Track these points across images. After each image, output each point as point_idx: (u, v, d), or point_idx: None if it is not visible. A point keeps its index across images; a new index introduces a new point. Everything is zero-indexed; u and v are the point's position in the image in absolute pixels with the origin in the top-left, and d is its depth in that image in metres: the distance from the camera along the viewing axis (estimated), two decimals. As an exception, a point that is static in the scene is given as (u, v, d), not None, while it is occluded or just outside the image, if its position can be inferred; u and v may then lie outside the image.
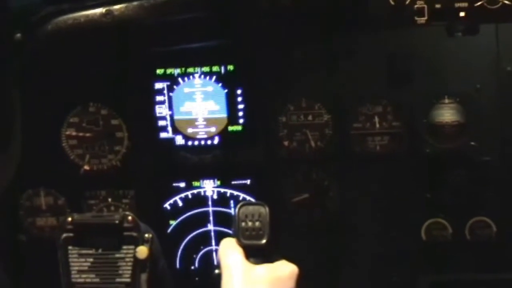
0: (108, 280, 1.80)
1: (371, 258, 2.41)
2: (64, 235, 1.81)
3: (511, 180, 2.32)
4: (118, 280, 1.80)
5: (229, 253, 1.60)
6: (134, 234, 1.80)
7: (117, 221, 1.79)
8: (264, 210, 1.67)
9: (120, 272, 1.80)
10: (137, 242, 1.80)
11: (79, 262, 1.80)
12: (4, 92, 2.24)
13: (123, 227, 1.80)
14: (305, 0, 2.24)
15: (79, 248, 1.80)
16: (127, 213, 1.81)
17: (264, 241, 1.63)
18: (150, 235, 1.83)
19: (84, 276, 1.80)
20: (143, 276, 1.81)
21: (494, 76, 2.31)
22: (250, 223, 1.65)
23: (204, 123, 2.40)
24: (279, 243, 1.68)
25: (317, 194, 2.39)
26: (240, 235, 1.64)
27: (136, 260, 1.80)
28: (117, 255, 1.80)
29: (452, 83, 2.33)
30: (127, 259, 1.80)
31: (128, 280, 1.80)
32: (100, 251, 1.80)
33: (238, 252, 1.59)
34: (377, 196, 2.38)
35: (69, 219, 1.81)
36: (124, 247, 1.80)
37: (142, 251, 1.79)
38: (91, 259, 1.80)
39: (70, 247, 1.81)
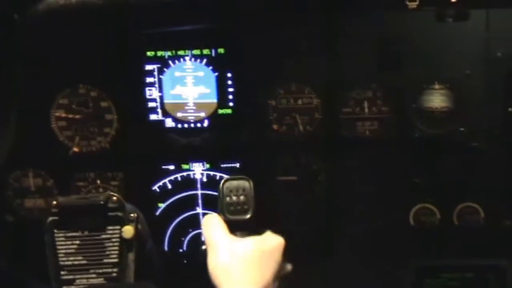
0: (95, 261, 1.80)
1: (359, 243, 2.42)
2: (50, 218, 1.80)
3: (499, 166, 2.33)
4: (105, 260, 1.80)
5: (212, 228, 1.60)
6: (120, 214, 1.80)
7: (101, 202, 1.79)
8: (249, 184, 1.67)
9: (107, 252, 1.80)
10: (122, 222, 1.80)
11: (66, 245, 1.80)
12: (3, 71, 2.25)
13: (108, 208, 1.80)
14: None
15: (65, 231, 1.80)
16: (112, 193, 1.81)
17: (248, 215, 1.63)
18: (136, 215, 1.83)
19: (71, 258, 1.80)
20: (130, 256, 1.81)
21: (484, 62, 2.31)
22: (234, 198, 1.65)
23: (194, 107, 2.40)
24: (265, 217, 1.68)
25: (306, 178, 2.39)
26: (224, 210, 1.64)
27: (122, 240, 1.80)
28: (103, 236, 1.80)
29: (442, 69, 2.33)
30: (114, 239, 1.80)
31: (115, 260, 1.80)
32: (86, 232, 1.80)
33: (221, 226, 1.59)
34: (365, 181, 2.38)
35: (54, 202, 1.81)
36: (110, 227, 1.80)
37: (128, 230, 1.79)
38: (77, 241, 1.80)
39: (56, 231, 1.81)
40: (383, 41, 2.34)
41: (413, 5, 2.21)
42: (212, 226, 1.60)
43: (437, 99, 2.34)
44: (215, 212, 2.34)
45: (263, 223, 1.66)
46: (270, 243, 1.57)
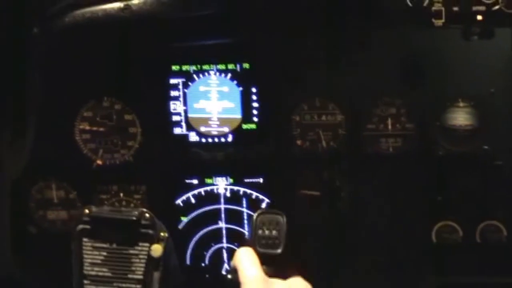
0: (120, 275, 1.81)
1: (380, 259, 2.42)
2: (80, 226, 1.81)
3: (523, 185, 2.33)
4: (130, 276, 1.81)
5: (247, 264, 1.59)
6: (150, 231, 1.81)
7: (134, 218, 1.79)
8: (282, 219, 1.68)
9: (133, 268, 1.80)
10: (152, 239, 1.80)
11: (92, 254, 1.81)
12: (23, 81, 2.25)
13: (140, 224, 1.80)
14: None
15: (94, 240, 1.81)
16: (145, 210, 1.81)
17: (279, 250, 1.64)
18: (166, 234, 1.83)
19: (96, 269, 1.81)
20: (156, 275, 1.81)
21: (508, 80, 2.31)
22: (267, 231, 1.66)
23: (218, 122, 2.40)
24: (294, 254, 1.69)
25: (329, 194, 2.39)
26: (256, 243, 1.64)
27: (150, 258, 1.80)
28: (131, 251, 1.81)
29: (466, 87, 2.33)
30: (141, 256, 1.80)
31: (140, 277, 1.80)
32: (114, 245, 1.80)
33: (256, 263, 1.59)
34: (388, 197, 2.38)
35: (87, 211, 1.81)
36: (139, 243, 1.80)
37: (157, 249, 1.80)
38: (104, 253, 1.81)
39: (85, 239, 1.81)
40: (408, 57, 2.34)
41: (439, 23, 2.21)
42: (247, 262, 1.60)
43: (461, 117, 2.34)
44: (237, 226, 2.40)
45: (292, 259, 1.66)
46: None
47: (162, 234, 1.83)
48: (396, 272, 2.41)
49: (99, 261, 1.81)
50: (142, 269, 1.81)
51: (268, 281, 1.57)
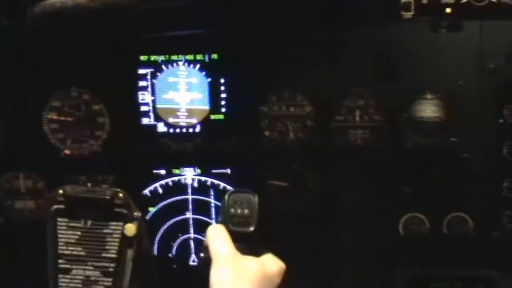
0: (94, 254, 1.81)
1: (348, 251, 2.42)
2: (55, 206, 1.81)
3: (489, 177, 2.33)
4: (104, 254, 1.81)
5: (218, 240, 1.60)
6: (124, 211, 1.82)
7: (108, 197, 1.80)
8: (254, 198, 1.68)
9: (107, 247, 1.81)
10: (126, 219, 1.81)
11: (67, 234, 1.81)
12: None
13: (114, 203, 1.81)
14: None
15: (68, 220, 1.81)
16: (119, 190, 1.82)
17: (251, 228, 1.65)
18: (139, 214, 1.84)
19: (71, 248, 1.81)
20: (130, 253, 1.82)
21: (477, 73, 2.32)
22: (239, 210, 1.66)
23: (186, 112, 2.40)
24: (266, 233, 1.69)
25: (297, 185, 2.40)
26: (228, 221, 1.65)
27: (123, 237, 1.81)
28: (105, 230, 1.81)
29: (434, 79, 2.33)
30: (115, 235, 1.81)
31: (114, 255, 1.81)
32: (89, 224, 1.81)
33: (227, 239, 1.60)
34: (356, 189, 2.39)
35: (61, 191, 1.82)
36: (113, 223, 1.81)
37: (131, 228, 1.80)
38: (79, 232, 1.81)
39: (59, 219, 1.81)
40: (376, 50, 2.35)
41: (408, 15, 2.22)
42: (218, 238, 1.60)
43: (428, 109, 2.34)
44: (205, 217, 2.41)
45: (264, 238, 1.67)
46: (273, 267, 1.59)
47: (135, 213, 1.83)
48: (365, 263, 2.42)
49: (73, 241, 1.82)
50: (116, 248, 1.81)
51: (240, 257, 1.58)
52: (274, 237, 1.71)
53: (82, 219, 1.80)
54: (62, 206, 1.81)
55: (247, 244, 1.64)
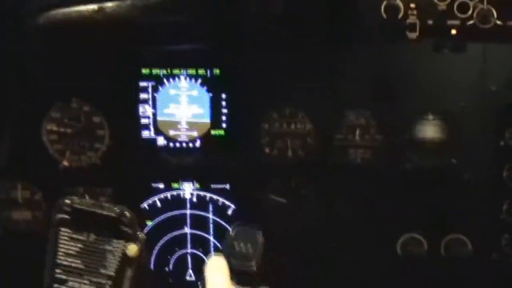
0: (92, 268, 1.80)
1: (345, 270, 2.41)
2: (60, 216, 1.80)
3: (489, 199, 2.33)
4: (102, 271, 1.80)
5: (216, 274, 1.59)
6: (129, 230, 1.81)
7: (115, 215, 1.79)
8: (259, 236, 1.67)
9: (106, 264, 1.80)
10: (129, 238, 1.80)
11: (68, 245, 1.80)
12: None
13: (120, 221, 1.80)
14: (296, 9, 2.25)
15: (72, 231, 1.81)
16: (126, 208, 1.81)
17: (252, 266, 1.63)
18: (144, 236, 1.83)
19: (70, 259, 1.80)
20: (128, 273, 1.80)
21: (479, 95, 2.32)
22: (242, 246, 1.65)
23: (187, 127, 2.39)
24: (266, 273, 1.68)
25: (295, 203, 2.39)
26: (230, 257, 1.64)
27: (124, 256, 1.80)
28: (107, 247, 1.80)
29: (436, 100, 2.33)
30: (116, 253, 1.80)
31: (112, 273, 1.79)
32: (91, 239, 1.80)
33: (226, 274, 1.58)
34: (355, 208, 2.38)
35: (68, 201, 1.81)
36: (116, 240, 1.80)
37: (133, 248, 1.79)
38: (80, 245, 1.80)
39: (63, 229, 1.81)
40: (378, 69, 2.34)
41: (413, 36, 2.21)
42: (217, 272, 1.59)
43: (430, 130, 2.33)
44: (202, 232, 2.40)
45: (264, 275, 1.66)
46: None
47: (140, 234, 1.83)
48: (362, 283, 2.41)
49: (73, 252, 1.80)
50: (116, 266, 1.80)
51: None
52: (273, 271, 1.70)
53: (85, 232, 1.80)
54: (67, 217, 1.81)
55: (246, 281, 1.63)
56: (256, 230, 1.68)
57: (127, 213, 1.79)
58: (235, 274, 1.61)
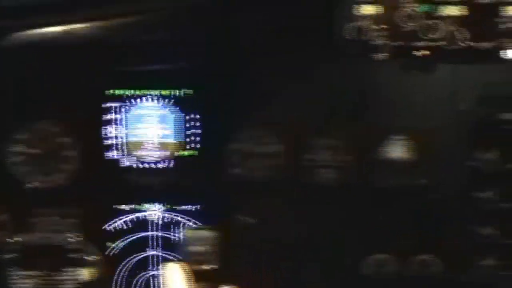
0: None
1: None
2: (8, 255, 1.78)
3: (459, 219, 2.33)
4: None
5: (174, 280, 1.58)
6: (81, 256, 1.78)
7: (63, 243, 1.77)
8: (213, 235, 1.66)
9: None
10: (82, 263, 1.78)
11: (24, 282, 1.78)
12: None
13: (70, 249, 1.78)
14: (266, 32, 2.26)
15: (24, 269, 1.78)
16: (75, 234, 1.79)
17: (211, 265, 1.62)
18: (98, 258, 1.81)
19: None
20: None
21: (448, 115, 2.33)
22: (198, 247, 1.64)
23: (156, 146, 2.38)
24: (228, 269, 1.67)
25: (265, 223, 2.37)
26: (187, 259, 1.62)
27: (82, 282, 1.78)
28: (61, 277, 1.78)
29: (405, 120, 2.34)
30: (72, 281, 1.78)
31: None
32: (44, 272, 1.78)
33: (183, 279, 1.57)
34: (324, 228, 2.37)
35: (14, 239, 1.78)
36: (69, 268, 1.78)
37: (88, 273, 1.78)
38: (35, 280, 1.78)
39: (13, 268, 1.78)
40: (347, 89, 2.35)
41: (381, 56, 2.22)
42: (174, 278, 1.57)
43: (399, 150, 2.34)
44: (171, 253, 2.37)
45: (225, 274, 1.64)
46: None
47: (93, 257, 1.80)
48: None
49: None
50: None
51: None
52: (238, 274, 1.68)
53: (37, 267, 1.77)
54: (15, 255, 1.78)
55: (207, 282, 1.61)
56: (209, 229, 1.66)
57: (75, 239, 1.77)
58: (195, 274, 1.59)
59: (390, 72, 2.29)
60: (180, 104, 2.36)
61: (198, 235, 1.66)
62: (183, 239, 1.67)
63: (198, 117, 2.37)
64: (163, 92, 2.36)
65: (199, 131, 2.37)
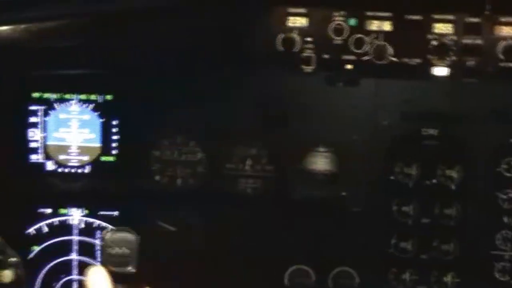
0: None
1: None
2: None
3: (377, 233, 2.34)
4: None
5: (95, 283, 1.58)
6: (0, 258, 1.78)
7: None
8: (132, 236, 1.66)
9: None
10: (2, 265, 1.77)
11: None
12: None
13: None
14: (189, 38, 2.25)
15: None
16: None
17: (131, 268, 1.62)
18: (17, 259, 1.80)
19: None
20: None
21: (371, 129, 2.33)
22: (117, 249, 1.63)
23: (77, 151, 2.37)
24: (147, 271, 1.67)
25: (183, 231, 2.38)
26: (107, 262, 1.62)
27: (2, 284, 1.77)
28: None
29: (328, 132, 2.34)
30: None
31: None
32: None
33: (106, 282, 1.57)
34: (243, 238, 2.37)
35: None
36: None
37: (6, 275, 1.77)
38: None
39: None
40: (272, 100, 2.34)
41: (308, 69, 2.23)
42: (95, 281, 1.58)
43: (320, 162, 2.33)
44: (90, 258, 2.38)
45: (145, 277, 1.65)
46: None
47: (12, 259, 1.80)
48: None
49: None
50: None
51: None
52: (158, 278, 1.68)
53: None
54: None
55: (127, 284, 1.62)
56: (129, 231, 1.66)
57: None
58: (116, 278, 1.60)
59: (316, 84, 2.29)
60: (101, 109, 2.35)
61: (117, 237, 1.66)
62: (102, 241, 1.66)
63: (117, 122, 2.36)
64: (84, 97, 2.35)
65: (119, 137, 2.37)
